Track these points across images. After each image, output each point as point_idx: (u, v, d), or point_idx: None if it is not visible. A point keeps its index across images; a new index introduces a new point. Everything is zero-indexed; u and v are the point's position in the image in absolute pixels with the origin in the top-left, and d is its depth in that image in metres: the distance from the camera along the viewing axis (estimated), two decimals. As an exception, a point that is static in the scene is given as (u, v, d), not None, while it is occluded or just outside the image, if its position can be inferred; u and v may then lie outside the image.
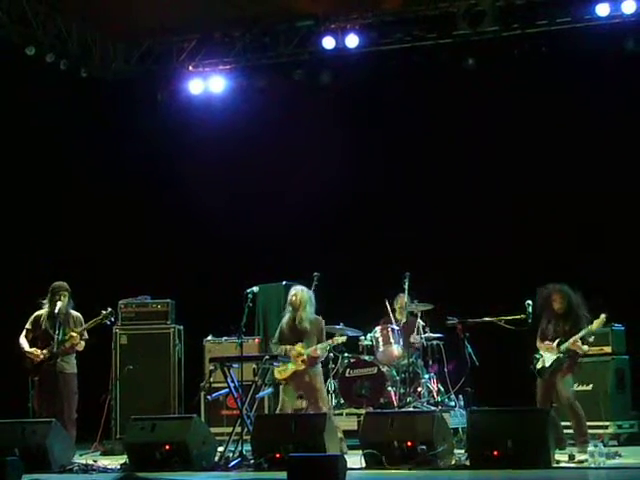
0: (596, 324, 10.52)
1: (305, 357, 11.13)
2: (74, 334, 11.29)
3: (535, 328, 10.86)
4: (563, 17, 13.50)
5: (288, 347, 11.18)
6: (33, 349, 11.30)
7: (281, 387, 11.30)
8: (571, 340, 10.47)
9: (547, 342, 10.65)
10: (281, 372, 11.17)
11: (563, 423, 10.67)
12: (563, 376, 10.55)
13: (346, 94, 14.68)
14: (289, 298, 11.37)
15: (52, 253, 14.56)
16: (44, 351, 11.26)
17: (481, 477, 9.00)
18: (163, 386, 13.01)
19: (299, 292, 11.30)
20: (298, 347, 11.14)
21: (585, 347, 10.58)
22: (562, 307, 10.63)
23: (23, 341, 11.42)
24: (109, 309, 11.44)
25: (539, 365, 10.67)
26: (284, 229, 14.61)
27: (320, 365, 11.49)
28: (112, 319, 11.56)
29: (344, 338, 11.67)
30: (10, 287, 14.10)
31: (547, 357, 10.63)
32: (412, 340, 12.56)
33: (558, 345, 10.56)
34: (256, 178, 15.05)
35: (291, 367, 11.13)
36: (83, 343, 11.43)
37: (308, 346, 11.16)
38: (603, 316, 10.50)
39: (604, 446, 9.75)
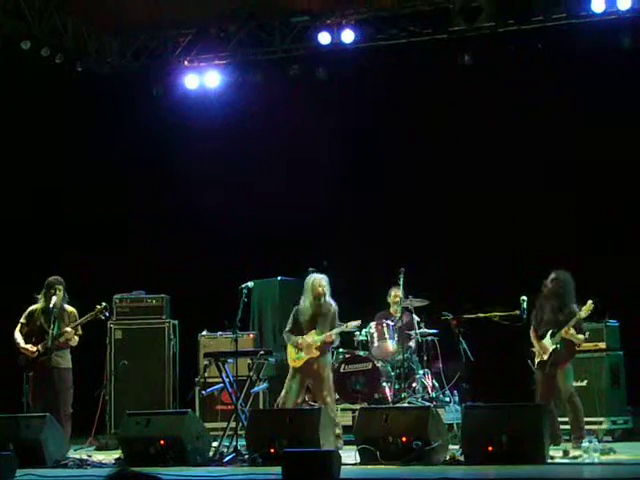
0: (584, 310, 10.56)
1: (319, 344, 11.16)
2: (68, 329, 11.29)
3: (529, 324, 10.90)
4: (559, 13, 13.48)
5: (299, 339, 11.19)
6: (28, 345, 11.29)
7: (289, 373, 11.31)
8: (563, 330, 10.50)
9: (540, 343, 10.69)
10: (295, 360, 11.21)
11: (560, 419, 10.69)
12: (562, 369, 10.60)
13: (342, 89, 14.66)
14: (313, 287, 11.27)
15: (47, 248, 14.55)
16: (39, 346, 11.25)
17: (476, 473, 9.00)
18: (158, 381, 13.01)
19: (323, 281, 11.30)
20: (311, 335, 11.17)
21: (580, 336, 10.64)
22: (552, 290, 10.66)
23: (18, 336, 11.41)
24: (103, 304, 11.44)
25: (538, 359, 10.71)
26: (279, 224, 14.61)
27: (330, 355, 11.53)
28: (106, 314, 11.55)
29: (358, 322, 11.70)
30: (5, 281, 14.09)
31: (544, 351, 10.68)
32: (409, 334, 12.57)
33: (552, 336, 10.60)
34: (251, 173, 15.04)
35: (305, 355, 11.18)
36: (77, 338, 11.42)
37: (322, 332, 11.19)
38: (590, 302, 10.53)
39: (598, 442, 9.79)
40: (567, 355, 10.66)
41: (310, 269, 12.01)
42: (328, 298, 11.32)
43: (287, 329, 11.46)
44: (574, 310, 10.64)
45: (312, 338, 11.19)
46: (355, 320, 11.63)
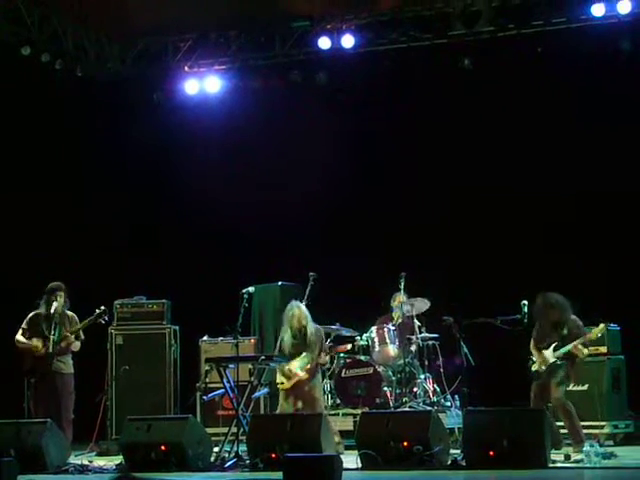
0: (595, 333, 10.60)
1: (309, 366, 11.16)
2: (68, 334, 11.29)
3: (530, 328, 10.90)
4: (558, 17, 13.50)
5: (285, 369, 11.16)
6: (33, 339, 11.26)
7: (281, 394, 11.35)
8: (572, 344, 10.50)
9: (540, 355, 10.70)
10: (282, 383, 11.22)
11: (558, 423, 10.69)
12: (557, 382, 10.59)
13: (342, 94, 14.66)
14: (289, 320, 11.28)
15: (48, 253, 14.54)
16: (41, 350, 11.25)
17: (477, 477, 9.01)
18: (159, 386, 13.02)
19: (296, 310, 11.29)
20: (293, 363, 11.11)
21: (585, 351, 10.65)
22: (557, 317, 10.68)
23: (20, 338, 11.40)
24: (102, 308, 11.44)
25: (534, 368, 10.72)
26: (280, 229, 14.62)
27: (320, 376, 11.57)
28: (106, 318, 11.55)
29: (348, 347, 11.72)
30: (6, 287, 14.08)
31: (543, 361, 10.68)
32: (410, 336, 12.58)
33: (555, 350, 10.60)
34: (252, 178, 15.04)
35: (298, 378, 11.18)
36: (79, 343, 11.43)
37: (311, 355, 11.16)
38: (602, 325, 10.61)
39: (600, 446, 9.78)
40: (565, 373, 10.65)
41: (311, 274, 12.04)
42: (310, 326, 11.26)
43: (276, 352, 11.41)
44: (580, 325, 10.63)
45: (294, 365, 11.11)
46: (350, 328, 11.73)
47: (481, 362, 11.54)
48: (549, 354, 10.65)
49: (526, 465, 9.02)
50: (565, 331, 10.65)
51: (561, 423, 10.70)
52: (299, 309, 11.33)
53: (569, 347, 10.55)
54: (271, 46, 14.76)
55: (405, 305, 12.56)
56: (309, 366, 11.19)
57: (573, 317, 10.71)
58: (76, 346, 11.43)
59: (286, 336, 11.33)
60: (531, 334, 10.90)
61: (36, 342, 11.26)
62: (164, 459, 9.86)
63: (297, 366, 11.13)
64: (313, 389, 11.28)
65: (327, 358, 11.55)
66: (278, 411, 11.36)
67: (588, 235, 13.52)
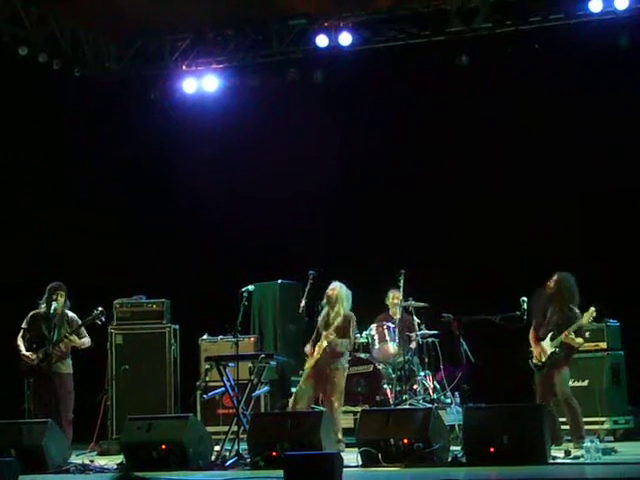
0: (586, 317, 10.57)
1: (325, 345, 11.17)
2: (69, 336, 11.30)
3: (530, 325, 10.91)
4: (556, 13, 13.50)
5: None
6: (29, 353, 11.30)
7: (302, 377, 11.37)
8: (564, 334, 10.52)
9: (539, 345, 10.70)
10: (309, 361, 11.28)
11: (561, 419, 10.70)
12: (560, 371, 10.60)
13: (339, 92, 14.67)
14: (326, 292, 11.41)
15: (47, 252, 14.54)
16: (39, 353, 11.26)
17: (477, 474, 9.00)
18: (159, 385, 13.02)
19: (336, 288, 11.42)
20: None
21: (579, 340, 10.65)
22: (553, 290, 10.68)
23: (20, 342, 11.42)
24: (100, 308, 11.47)
25: (535, 360, 10.73)
26: (279, 227, 14.60)
27: (344, 362, 11.40)
28: (103, 318, 11.58)
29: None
30: (6, 286, 14.09)
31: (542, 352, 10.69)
32: (410, 335, 12.57)
33: (552, 339, 10.61)
34: (250, 177, 15.04)
35: (316, 355, 11.24)
36: (86, 340, 11.47)
37: (329, 336, 11.20)
38: (592, 309, 10.56)
39: (600, 442, 9.80)
40: (565, 359, 10.67)
41: (310, 272, 12.03)
42: (344, 305, 11.33)
43: (313, 336, 11.50)
44: (576, 313, 10.64)
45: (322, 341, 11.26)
46: None
47: (481, 359, 11.54)
48: (547, 344, 10.66)
49: (526, 461, 9.01)
50: (560, 320, 10.65)
51: (564, 419, 10.72)
52: (341, 287, 11.42)
53: (562, 336, 10.56)
54: (268, 44, 14.75)
55: (403, 302, 12.57)
56: (324, 345, 11.20)
57: (572, 307, 10.71)
58: (84, 343, 11.45)
59: (323, 311, 11.44)
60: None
61: (32, 355, 11.27)
62: (165, 458, 9.87)
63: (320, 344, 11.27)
64: (334, 373, 11.20)
65: (339, 343, 11.22)
66: (295, 394, 11.35)
67: (587, 231, 13.52)
